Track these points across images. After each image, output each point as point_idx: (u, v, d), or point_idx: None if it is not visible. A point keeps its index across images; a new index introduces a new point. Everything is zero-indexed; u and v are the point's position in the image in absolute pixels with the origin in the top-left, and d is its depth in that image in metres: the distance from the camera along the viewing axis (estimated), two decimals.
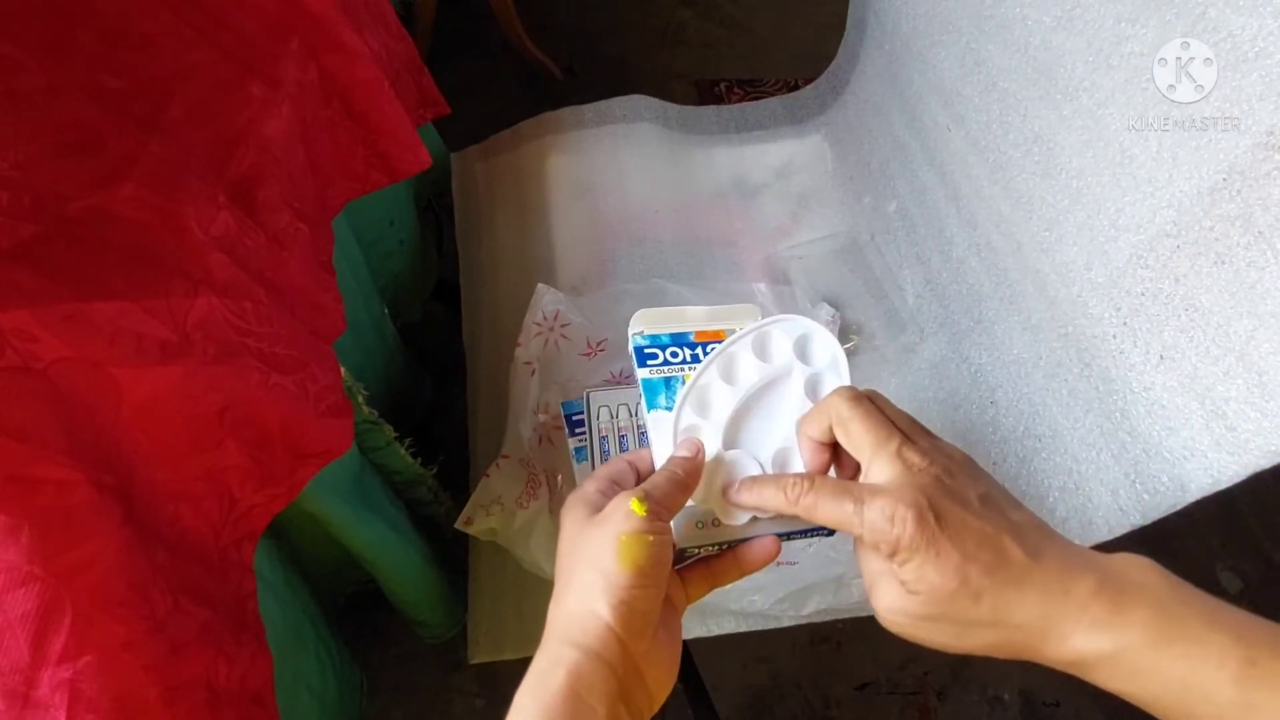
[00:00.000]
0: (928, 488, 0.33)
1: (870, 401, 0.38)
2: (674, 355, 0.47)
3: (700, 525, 0.41)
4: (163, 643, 0.38)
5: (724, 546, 0.42)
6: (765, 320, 0.45)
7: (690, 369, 0.46)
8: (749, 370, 0.44)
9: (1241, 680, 0.28)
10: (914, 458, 0.35)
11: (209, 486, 0.44)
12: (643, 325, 0.48)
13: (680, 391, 0.44)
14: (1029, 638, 0.32)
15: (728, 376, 0.44)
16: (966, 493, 0.34)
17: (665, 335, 0.47)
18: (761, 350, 0.44)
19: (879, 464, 0.35)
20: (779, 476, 0.38)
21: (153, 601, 0.38)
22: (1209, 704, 0.29)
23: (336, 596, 0.74)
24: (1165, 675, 0.30)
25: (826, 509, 0.36)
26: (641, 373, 0.46)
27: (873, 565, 0.35)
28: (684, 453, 0.41)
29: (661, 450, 0.42)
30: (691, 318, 0.48)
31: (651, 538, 0.36)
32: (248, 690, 0.44)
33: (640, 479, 0.41)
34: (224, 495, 0.45)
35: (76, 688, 0.35)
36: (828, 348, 0.45)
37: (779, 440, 0.43)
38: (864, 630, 1.02)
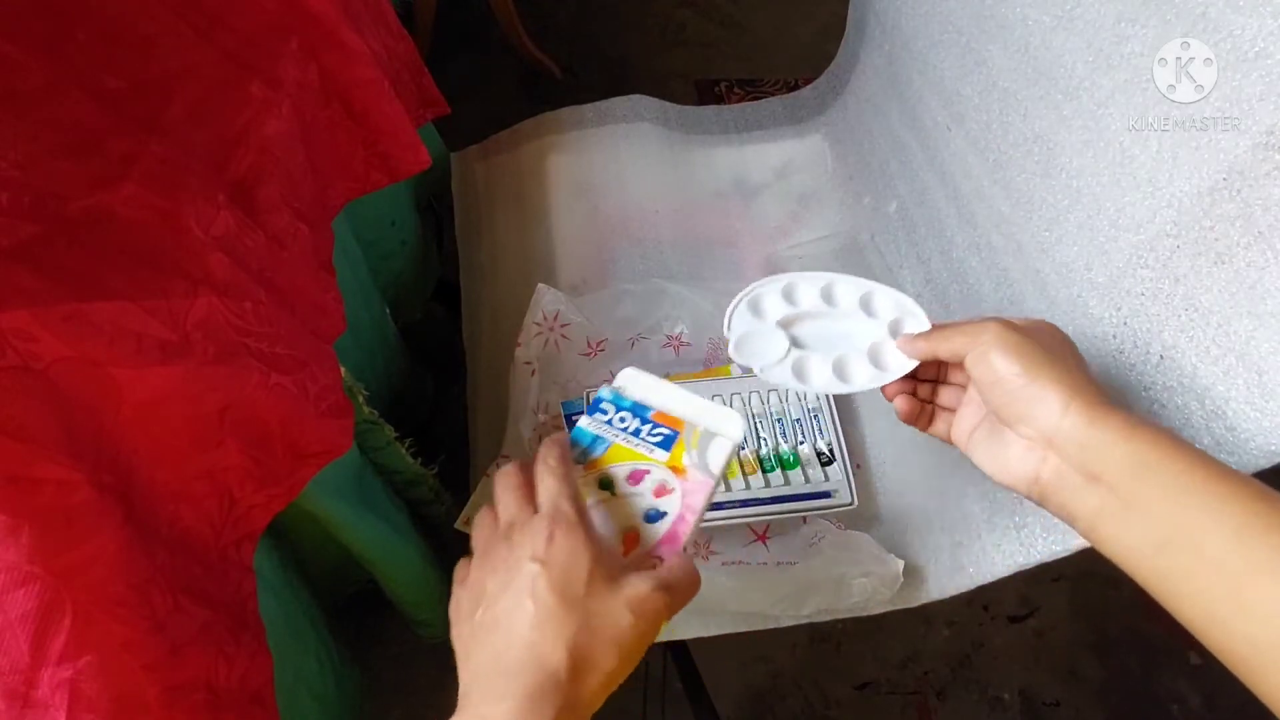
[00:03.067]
0: None
1: None
2: (621, 420, 0.46)
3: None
4: (163, 643, 0.38)
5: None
6: (838, 275, 0.52)
7: (626, 439, 0.45)
8: (810, 301, 0.52)
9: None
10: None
11: (209, 486, 0.44)
12: (624, 383, 0.48)
13: (740, 294, 0.51)
14: (1093, 389, 0.38)
15: (788, 297, 0.52)
16: None
17: (629, 401, 0.47)
18: (828, 295, 0.52)
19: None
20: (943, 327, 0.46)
21: (153, 601, 0.38)
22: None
23: (337, 596, 0.74)
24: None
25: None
26: (583, 421, 0.46)
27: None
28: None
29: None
30: (671, 398, 0.47)
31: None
32: (248, 690, 0.44)
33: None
34: (224, 495, 0.45)
35: (76, 688, 0.35)
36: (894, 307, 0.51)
37: (835, 350, 0.50)
38: (864, 630, 1.02)
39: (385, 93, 0.63)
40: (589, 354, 0.74)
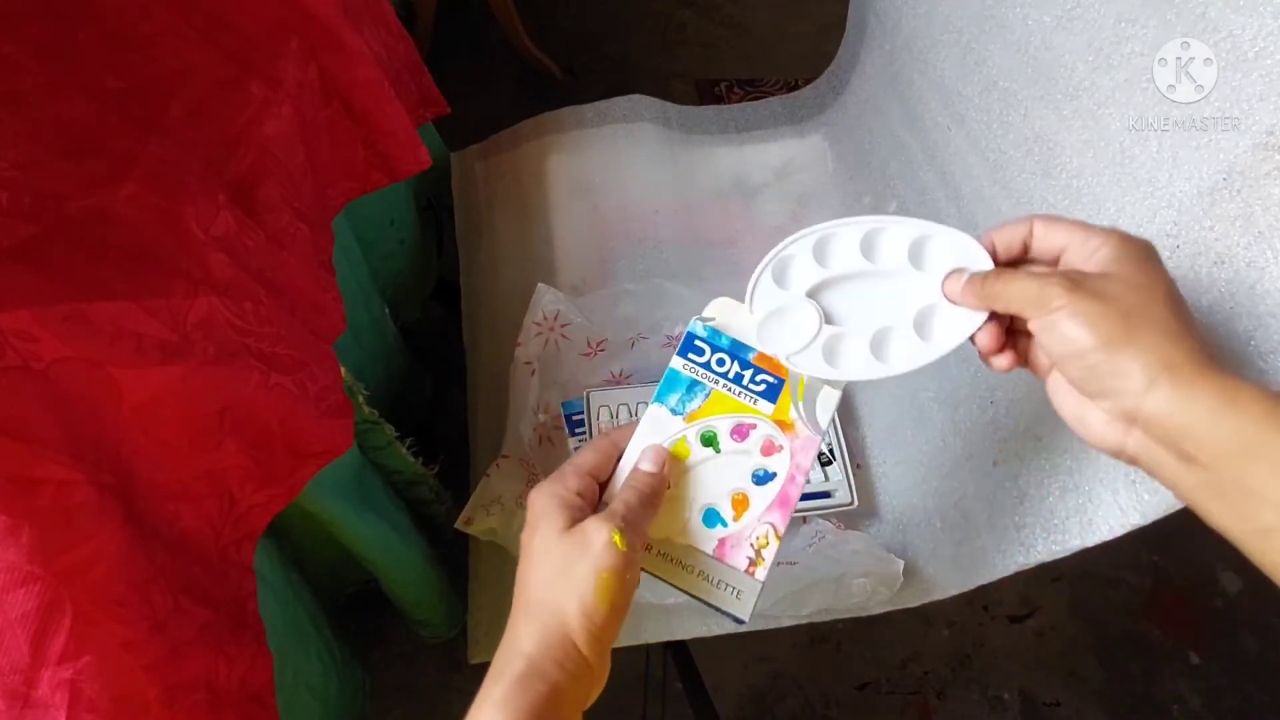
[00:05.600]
0: None
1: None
2: (719, 364, 0.42)
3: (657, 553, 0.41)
4: (163, 643, 0.38)
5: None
6: (884, 218, 0.42)
7: (726, 386, 0.42)
8: (847, 259, 0.42)
9: None
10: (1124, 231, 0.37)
11: (209, 486, 0.44)
12: (716, 314, 0.43)
13: (763, 260, 0.42)
14: (1190, 350, 0.32)
15: (820, 257, 0.42)
16: None
17: (727, 340, 0.43)
18: (869, 249, 0.42)
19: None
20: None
21: (153, 601, 0.38)
22: None
23: (336, 596, 0.74)
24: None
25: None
26: (676, 362, 0.42)
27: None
28: (649, 467, 0.41)
29: (641, 443, 0.42)
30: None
31: (628, 576, 0.37)
32: (248, 690, 0.44)
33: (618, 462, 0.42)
34: (224, 495, 0.45)
35: (76, 688, 0.35)
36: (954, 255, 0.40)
37: (875, 322, 0.41)
38: (864, 630, 1.02)
39: (385, 93, 0.63)
40: (589, 354, 0.74)
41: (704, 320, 0.43)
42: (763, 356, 0.42)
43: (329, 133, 0.60)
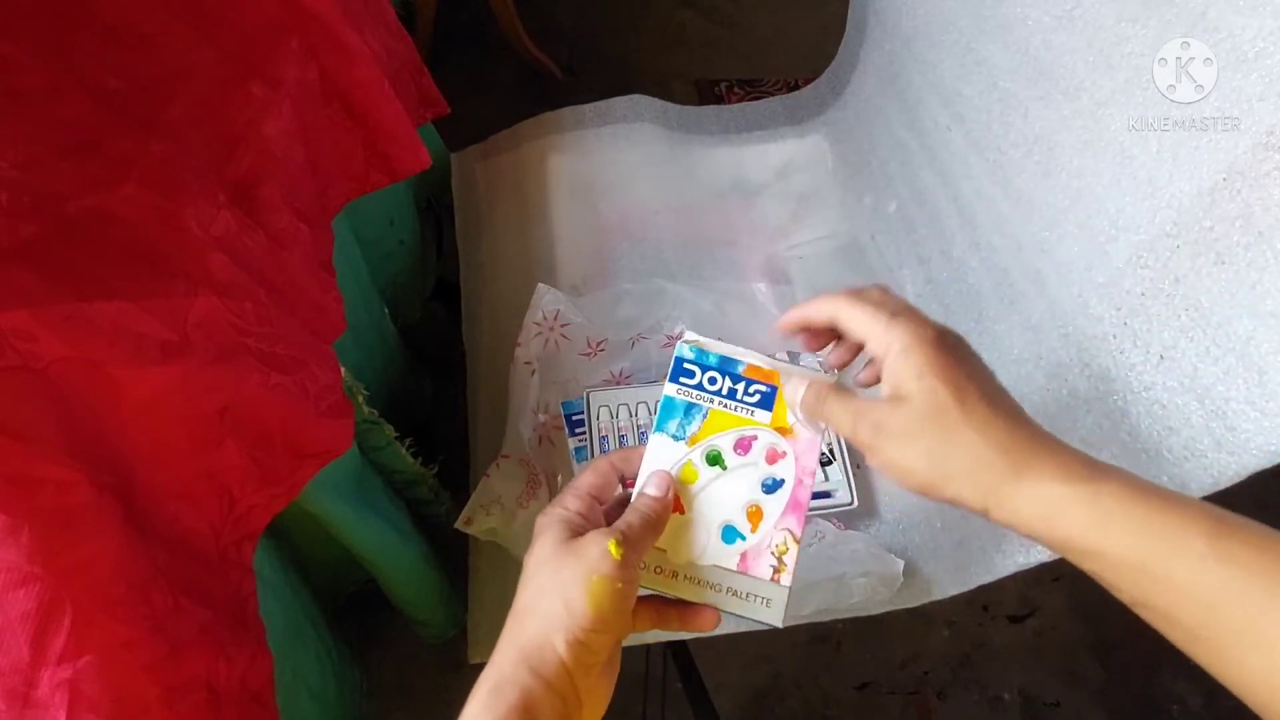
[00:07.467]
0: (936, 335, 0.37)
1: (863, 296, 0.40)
2: (711, 382, 0.43)
3: (657, 570, 0.41)
4: (163, 643, 0.38)
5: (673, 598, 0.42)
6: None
7: (722, 403, 0.42)
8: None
9: (1210, 554, 0.29)
10: (911, 322, 0.37)
11: (209, 486, 0.44)
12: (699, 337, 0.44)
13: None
14: (1000, 470, 0.34)
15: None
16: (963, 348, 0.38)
17: (715, 357, 0.43)
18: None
19: (881, 331, 0.37)
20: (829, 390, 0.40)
21: (153, 601, 0.38)
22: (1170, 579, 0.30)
23: (336, 596, 0.74)
24: (1132, 535, 0.31)
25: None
26: (669, 389, 0.43)
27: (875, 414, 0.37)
28: (654, 491, 0.41)
29: (647, 472, 0.42)
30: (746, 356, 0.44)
31: (620, 585, 0.37)
32: (248, 690, 0.44)
33: (625, 485, 0.42)
34: (224, 495, 0.45)
35: (76, 687, 0.35)
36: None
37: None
38: (864, 630, 1.02)
39: (385, 93, 0.63)
40: (589, 354, 0.74)
41: (693, 344, 0.43)
42: (753, 368, 0.43)
43: (329, 133, 0.60)
